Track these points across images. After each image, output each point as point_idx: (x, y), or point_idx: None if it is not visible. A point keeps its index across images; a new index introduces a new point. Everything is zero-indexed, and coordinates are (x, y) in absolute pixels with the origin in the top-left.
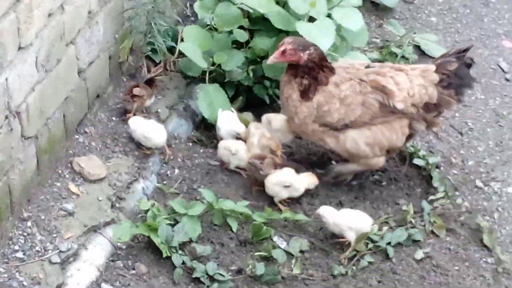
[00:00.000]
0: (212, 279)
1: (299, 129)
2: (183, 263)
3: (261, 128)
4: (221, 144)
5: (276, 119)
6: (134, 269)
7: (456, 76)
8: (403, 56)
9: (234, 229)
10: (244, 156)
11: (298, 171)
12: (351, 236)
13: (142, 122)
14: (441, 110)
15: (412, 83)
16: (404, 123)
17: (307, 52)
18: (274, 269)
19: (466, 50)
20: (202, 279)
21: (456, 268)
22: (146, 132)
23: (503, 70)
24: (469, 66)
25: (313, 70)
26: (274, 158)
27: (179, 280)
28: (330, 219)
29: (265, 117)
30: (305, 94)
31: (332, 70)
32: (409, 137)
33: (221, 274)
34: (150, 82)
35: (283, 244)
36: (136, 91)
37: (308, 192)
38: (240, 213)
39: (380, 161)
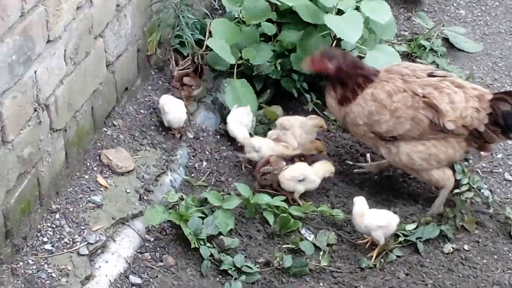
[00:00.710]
0: (239, 271)
1: (352, 131)
2: (211, 255)
3: (292, 120)
4: (245, 140)
5: (290, 122)
6: (162, 261)
7: (504, 118)
8: (431, 49)
9: (271, 223)
10: (267, 153)
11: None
12: (379, 235)
13: (169, 99)
14: (487, 141)
15: (467, 104)
16: (461, 139)
17: (334, 60)
18: (302, 261)
19: None
20: (229, 271)
21: (485, 261)
22: (166, 107)
23: None
24: None
25: (345, 79)
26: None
27: (206, 272)
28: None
29: (279, 121)
30: (342, 102)
31: (368, 77)
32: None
33: (248, 266)
34: (199, 72)
35: (310, 237)
36: (186, 80)
37: (335, 184)
38: (277, 207)
39: (447, 175)
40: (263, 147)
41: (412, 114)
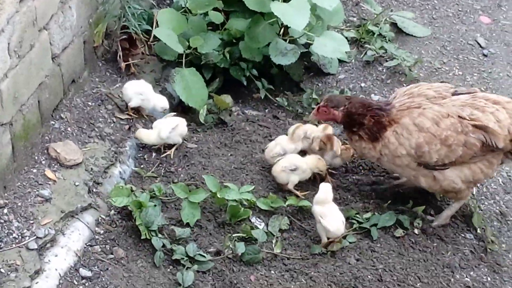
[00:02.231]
0: (192, 260)
1: (393, 166)
2: (163, 245)
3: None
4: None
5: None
6: (112, 253)
7: None
8: (380, 34)
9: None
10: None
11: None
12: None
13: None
14: None
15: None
16: (500, 156)
17: (342, 109)
18: (255, 248)
19: None
20: (182, 261)
21: (435, 244)
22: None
23: (480, 46)
24: None
25: (359, 119)
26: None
27: (159, 263)
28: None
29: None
30: (373, 139)
31: (379, 112)
32: None
33: (201, 255)
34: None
35: (261, 225)
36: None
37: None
38: (246, 199)
39: (470, 191)
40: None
41: (464, 139)
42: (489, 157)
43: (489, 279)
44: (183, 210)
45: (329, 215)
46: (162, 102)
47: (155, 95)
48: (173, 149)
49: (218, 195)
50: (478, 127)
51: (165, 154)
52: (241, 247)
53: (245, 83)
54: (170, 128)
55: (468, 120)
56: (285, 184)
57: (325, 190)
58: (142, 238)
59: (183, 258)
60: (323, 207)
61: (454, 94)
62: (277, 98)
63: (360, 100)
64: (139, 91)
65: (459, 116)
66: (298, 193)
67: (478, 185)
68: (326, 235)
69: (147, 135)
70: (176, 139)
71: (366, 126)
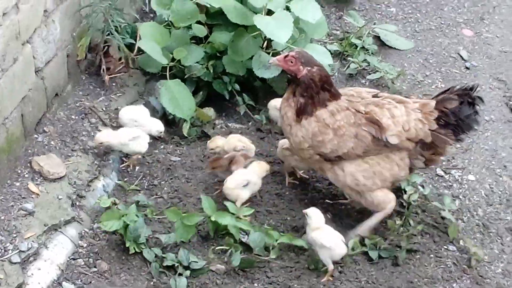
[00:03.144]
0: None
1: (298, 155)
2: (156, 256)
3: None
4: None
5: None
6: (95, 266)
7: (454, 115)
8: (363, 47)
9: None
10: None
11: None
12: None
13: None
14: (438, 149)
15: (409, 117)
16: (404, 155)
17: (308, 68)
18: (250, 259)
19: (472, 89)
20: (175, 267)
21: (418, 256)
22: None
23: (463, 59)
24: (472, 105)
25: (311, 89)
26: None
27: (156, 273)
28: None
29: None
30: (300, 114)
31: (334, 96)
32: (410, 170)
33: (195, 262)
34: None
35: (244, 238)
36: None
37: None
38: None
39: (389, 198)
40: None
41: (355, 131)
42: (387, 154)
43: None
44: (177, 230)
45: (330, 237)
46: (157, 126)
47: (150, 120)
48: (130, 160)
49: (212, 219)
50: (370, 120)
51: (124, 165)
52: (236, 259)
53: (227, 97)
54: (132, 136)
55: (362, 113)
56: (236, 201)
57: (315, 214)
58: (131, 253)
59: (173, 265)
60: (320, 232)
61: (374, 96)
62: (256, 116)
63: (327, 74)
64: (133, 118)
65: (356, 110)
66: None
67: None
68: (331, 258)
69: (106, 136)
70: (134, 149)
71: (310, 97)
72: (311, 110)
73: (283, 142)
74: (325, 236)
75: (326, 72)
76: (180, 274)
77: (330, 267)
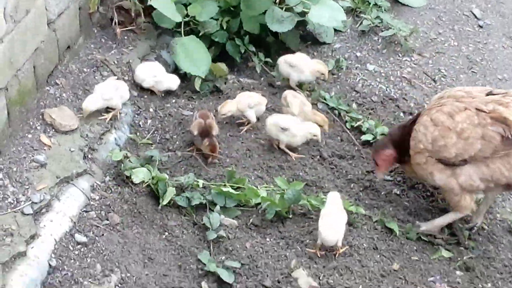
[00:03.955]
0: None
1: (415, 166)
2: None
3: (299, 96)
4: (269, 120)
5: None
6: (107, 219)
7: None
8: (375, 4)
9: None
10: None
11: None
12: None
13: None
14: None
15: None
16: None
17: (386, 150)
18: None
19: None
20: (206, 204)
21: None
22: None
23: (475, 17)
24: None
25: (403, 143)
26: (210, 125)
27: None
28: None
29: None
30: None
31: (415, 121)
32: None
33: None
34: None
35: None
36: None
37: None
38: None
39: (472, 204)
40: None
41: (482, 132)
42: (508, 155)
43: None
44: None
45: (329, 221)
46: (175, 81)
47: (168, 76)
48: (111, 114)
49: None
50: (497, 119)
51: (103, 117)
52: (271, 211)
53: (238, 60)
54: (113, 89)
55: (486, 112)
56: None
57: (333, 198)
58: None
59: (201, 203)
60: (329, 213)
61: (488, 95)
62: (272, 73)
63: (397, 126)
64: (152, 73)
65: (476, 109)
66: (291, 154)
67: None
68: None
69: (92, 103)
70: (117, 102)
71: (406, 146)
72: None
73: (284, 93)
74: (326, 216)
75: (395, 127)
76: (212, 210)
77: (318, 241)
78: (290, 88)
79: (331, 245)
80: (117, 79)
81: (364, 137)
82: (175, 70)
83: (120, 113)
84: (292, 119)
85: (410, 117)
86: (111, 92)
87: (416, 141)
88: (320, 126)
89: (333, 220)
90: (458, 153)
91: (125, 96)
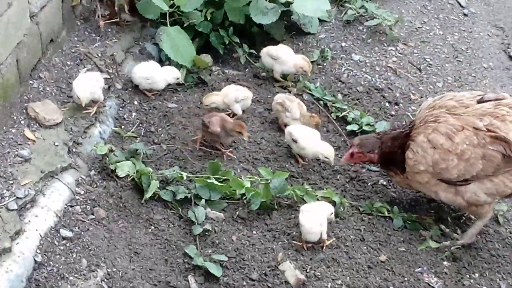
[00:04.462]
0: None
1: (415, 184)
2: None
3: (294, 99)
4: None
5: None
6: (93, 214)
7: None
8: None
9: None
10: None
11: None
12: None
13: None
14: None
15: None
16: None
17: (376, 151)
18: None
19: None
20: (190, 198)
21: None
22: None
23: (460, 5)
24: None
25: (393, 154)
26: (223, 117)
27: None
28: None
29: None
30: (403, 171)
31: (407, 134)
32: None
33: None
34: None
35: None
36: None
37: None
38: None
39: (491, 207)
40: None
41: (482, 152)
42: None
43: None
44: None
45: (309, 216)
46: (171, 73)
47: (163, 69)
48: (95, 108)
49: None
50: (496, 138)
51: (88, 111)
52: (256, 201)
53: (221, 52)
54: (95, 81)
55: (484, 131)
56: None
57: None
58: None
59: (186, 197)
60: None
61: (479, 101)
62: (257, 64)
63: (389, 135)
64: (145, 76)
65: (474, 128)
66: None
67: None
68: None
69: (86, 90)
70: (100, 94)
71: (397, 159)
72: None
73: (278, 97)
74: (306, 210)
75: (388, 136)
76: (197, 204)
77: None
78: (275, 80)
79: (314, 241)
80: (86, 71)
81: (349, 127)
82: (160, 61)
83: (104, 106)
84: (309, 133)
85: (399, 127)
86: (94, 84)
87: (415, 162)
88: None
89: (314, 215)
90: (460, 174)
91: (102, 86)
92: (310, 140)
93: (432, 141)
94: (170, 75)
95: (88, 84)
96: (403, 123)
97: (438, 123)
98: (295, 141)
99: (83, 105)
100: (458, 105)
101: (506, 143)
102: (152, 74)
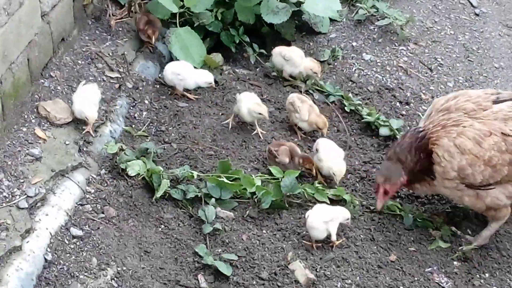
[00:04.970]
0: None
1: (442, 189)
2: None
3: (307, 100)
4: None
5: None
6: (103, 212)
7: None
8: None
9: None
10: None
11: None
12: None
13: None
14: None
15: None
16: None
17: (401, 178)
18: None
19: None
20: (201, 196)
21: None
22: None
23: (472, 5)
24: None
25: (417, 170)
26: (292, 147)
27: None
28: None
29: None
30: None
31: (424, 143)
32: None
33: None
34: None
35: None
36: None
37: None
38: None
39: (509, 210)
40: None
41: (509, 158)
42: None
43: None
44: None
45: (315, 213)
46: (204, 77)
47: (196, 72)
48: (90, 126)
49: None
50: None
51: (86, 131)
52: (267, 200)
53: (233, 50)
54: (97, 97)
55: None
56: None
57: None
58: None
59: (196, 196)
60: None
61: (495, 102)
62: (267, 63)
63: (402, 150)
64: (176, 72)
65: (502, 133)
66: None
67: None
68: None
69: (93, 110)
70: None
71: (423, 169)
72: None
73: (290, 97)
74: (312, 215)
75: (399, 151)
76: (207, 203)
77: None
78: (284, 79)
79: (319, 238)
80: (84, 84)
81: (365, 119)
82: (171, 60)
83: (115, 105)
84: (334, 149)
85: (411, 132)
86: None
87: (445, 169)
88: (319, 128)
89: (320, 213)
90: (484, 179)
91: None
92: (331, 156)
93: (459, 146)
94: (202, 78)
95: (93, 101)
96: (401, 133)
97: (462, 127)
98: (317, 150)
99: (91, 124)
100: (476, 107)
101: None
102: (183, 71)
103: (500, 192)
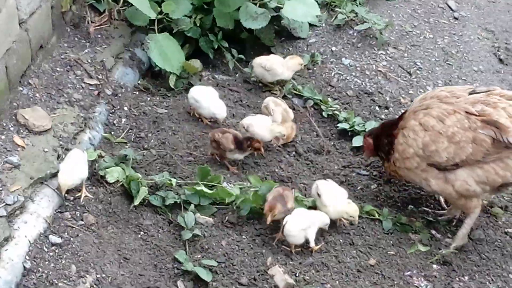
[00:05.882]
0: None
1: (405, 171)
2: (163, 200)
3: (282, 104)
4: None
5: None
6: (82, 220)
7: None
8: None
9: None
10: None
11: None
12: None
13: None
14: None
15: None
16: None
17: (371, 136)
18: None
19: None
20: (179, 203)
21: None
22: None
23: (451, 9)
24: None
25: (379, 141)
26: (235, 134)
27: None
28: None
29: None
30: (388, 157)
31: (394, 124)
32: None
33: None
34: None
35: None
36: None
37: None
38: None
39: (479, 202)
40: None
41: (472, 136)
42: (504, 156)
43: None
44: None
45: (292, 219)
46: (219, 111)
47: (215, 103)
48: (84, 189)
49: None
50: (487, 122)
51: (82, 196)
52: (246, 207)
53: (211, 56)
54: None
55: (476, 115)
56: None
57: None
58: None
59: (176, 202)
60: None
61: (471, 93)
62: (246, 68)
63: (383, 123)
64: (196, 98)
65: (466, 112)
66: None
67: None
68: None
69: (69, 178)
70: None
71: (382, 145)
72: (389, 147)
73: (265, 100)
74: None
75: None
76: (186, 210)
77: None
78: (264, 84)
79: (296, 243)
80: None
81: (341, 126)
82: (150, 67)
83: (94, 112)
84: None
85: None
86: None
87: (405, 146)
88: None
89: (298, 218)
90: (450, 157)
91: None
92: (337, 200)
93: (423, 124)
94: (216, 112)
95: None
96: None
97: (430, 109)
98: (319, 195)
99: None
100: (450, 95)
101: (497, 127)
102: (201, 98)
103: (469, 175)
